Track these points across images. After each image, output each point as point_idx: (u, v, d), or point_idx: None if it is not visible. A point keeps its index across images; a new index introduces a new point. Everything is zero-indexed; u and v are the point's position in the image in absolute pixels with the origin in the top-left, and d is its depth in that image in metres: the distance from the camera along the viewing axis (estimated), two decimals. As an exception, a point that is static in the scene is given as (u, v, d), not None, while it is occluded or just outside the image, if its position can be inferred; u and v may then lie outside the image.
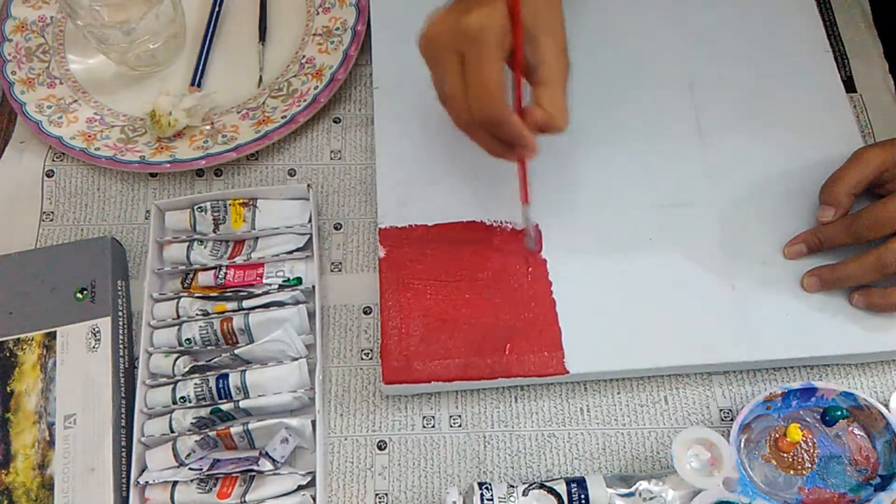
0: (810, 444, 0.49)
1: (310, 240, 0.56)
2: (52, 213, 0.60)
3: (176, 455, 0.49)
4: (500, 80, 0.45)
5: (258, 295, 0.53)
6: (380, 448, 0.52)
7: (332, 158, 0.61)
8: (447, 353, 0.51)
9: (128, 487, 0.49)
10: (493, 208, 0.56)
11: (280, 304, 0.53)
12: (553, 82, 0.47)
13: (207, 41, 0.65)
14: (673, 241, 0.54)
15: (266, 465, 0.48)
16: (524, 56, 0.46)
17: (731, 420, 0.51)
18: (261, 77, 0.64)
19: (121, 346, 0.53)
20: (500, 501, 0.45)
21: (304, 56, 0.64)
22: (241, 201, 0.56)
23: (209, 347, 0.53)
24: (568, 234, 0.55)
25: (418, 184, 0.57)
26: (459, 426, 0.52)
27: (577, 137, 0.58)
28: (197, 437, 0.49)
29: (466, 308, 0.52)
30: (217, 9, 0.66)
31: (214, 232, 0.55)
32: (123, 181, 0.61)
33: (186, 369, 0.51)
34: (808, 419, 0.50)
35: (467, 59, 0.45)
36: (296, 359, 0.51)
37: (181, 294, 0.54)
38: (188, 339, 0.52)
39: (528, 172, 0.51)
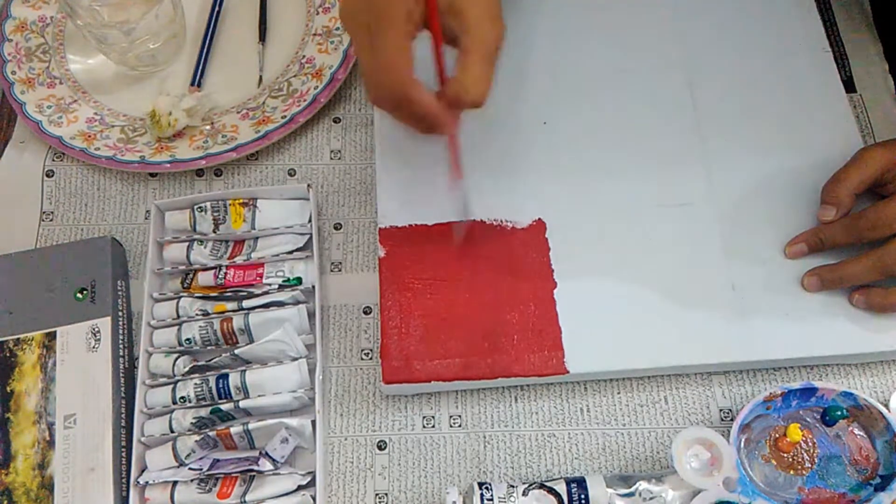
0: (810, 444, 0.49)
1: (310, 240, 0.56)
2: (52, 213, 0.60)
3: (176, 455, 0.49)
4: (403, 55, 0.43)
5: (258, 295, 0.53)
6: (380, 448, 0.52)
7: (332, 158, 0.61)
8: (447, 352, 0.51)
9: (128, 487, 0.49)
10: (493, 208, 0.56)
11: (280, 304, 0.53)
12: (470, 52, 0.44)
13: (207, 41, 0.65)
14: (673, 241, 0.54)
15: (266, 465, 0.48)
16: (448, 25, 0.44)
17: (731, 420, 0.51)
18: (261, 77, 0.64)
19: (121, 346, 0.53)
20: (500, 501, 0.45)
21: (304, 56, 0.64)
22: (241, 201, 0.56)
23: (209, 347, 0.53)
24: (568, 233, 0.55)
25: (418, 184, 0.57)
26: (459, 426, 0.52)
27: (578, 137, 0.58)
28: (197, 437, 0.49)
29: (466, 308, 0.52)
30: (217, 9, 0.66)
31: (214, 232, 0.55)
32: (123, 181, 0.61)
33: (186, 369, 0.51)
34: (808, 419, 0.50)
35: (372, 33, 0.43)
36: (296, 359, 0.51)
37: (181, 294, 0.54)
38: (188, 339, 0.52)
39: (459, 150, 0.49)
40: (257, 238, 0.56)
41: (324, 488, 0.50)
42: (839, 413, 0.49)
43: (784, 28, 0.62)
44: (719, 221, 0.55)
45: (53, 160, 0.61)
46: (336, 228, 0.59)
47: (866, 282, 0.51)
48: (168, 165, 0.59)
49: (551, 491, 0.46)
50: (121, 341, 0.53)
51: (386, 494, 0.50)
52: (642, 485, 0.46)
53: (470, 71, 0.44)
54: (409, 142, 0.58)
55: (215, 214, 0.55)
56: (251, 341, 0.52)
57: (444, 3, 0.44)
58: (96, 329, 0.53)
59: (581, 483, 0.46)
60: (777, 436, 0.49)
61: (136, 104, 0.62)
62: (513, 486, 0.46)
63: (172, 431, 0.50)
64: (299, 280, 0.54)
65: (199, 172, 0.61)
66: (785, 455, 0.49)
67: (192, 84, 0.63)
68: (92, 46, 0.63)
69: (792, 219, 0.55)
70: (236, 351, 0.51)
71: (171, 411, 0.50)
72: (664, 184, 0.56)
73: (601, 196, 0.56)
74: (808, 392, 0.49)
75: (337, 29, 0.64)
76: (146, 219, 0.59)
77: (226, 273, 0.54)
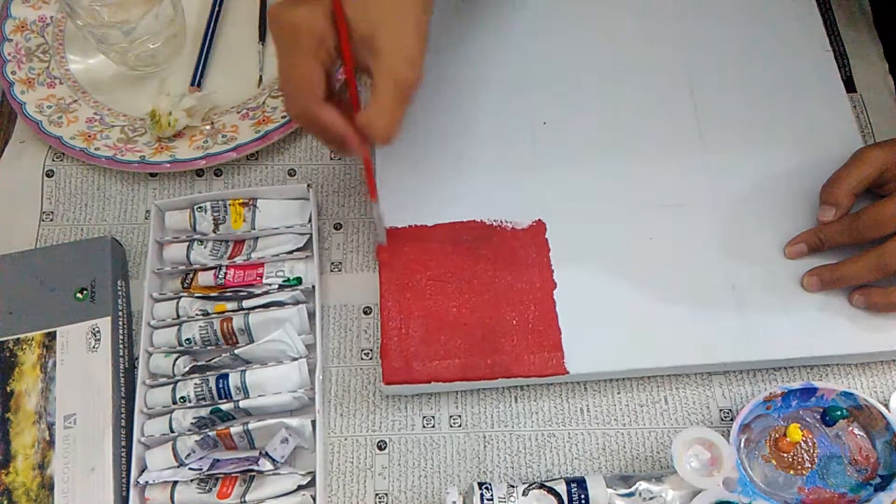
0: (810, 444, 0.49)
1: (310, 240, 0.56)
2: (52, 213, 0.60)
3: (176, 455, 0.49)
4: (311, 82, 0.45)
5: (258, 295, 0.53)
6: (380, 448, 0.52)
7: (332, 158, 0.61)
8: (447, 353, 0.51)
9: (128, 487, 0.49)
10: (493, 208, 0.56)
11: (280, 304, 0.53)
12: (381, 89, 0.45)
13: (207, 41, 0.65)
14: (673, 241, 0.54)
15: (266, 465, 0.48)
16: (362, 58, 0.46)
17: (731, 420, 0.51)
18: (261, 77, 0.64)
19: (121, 346, 0.53)
20: (500, 501, 0.45)
21: (304, 56, 0.64)
22: (241, 201, 0.56)
23: (209, 347, 0.53)
24: (568, 233, 0.55)
25: (418, 184, 0.57)
26: (459, 426, 0.52)
27: (578, 137, 0.58)
28: (197, 437, 0.49)
29: (466, 308, 0.52)
30: (217, 9, 0.66)
31: (214, 232, 0.55)
32: (123, 181, 0.61)
33: (186, 369, 0.51)
34: (808, 419, 0.50)
35: (284, 57, 0.45)
36: (296, 359, 0.51)
37: (181, 294, 0.54)
38: (188, 339, 0.52)
39: (373, 174, 0.51)
40: (257, 238, 0.56)
41: (324, 488, 0.50)
42: (839, 413, 0.49)
43: (784, 28, 0.62)
44: (719, 221, 0.55)
45: (53, 160, 0.61)
46: (336, 228, 0.59)
47: (866, 281, 0.51)
48: (168, 165, 0.59)
49: (551, 491, 0.46)
50: (121, 341, 0.53)
51: (386, 494, 0.50)
52: (642, 485, 0.46)
53: (378, 109, 0.45)
54: (410, 142, 0.58)
55: (215, 214, 0.55)
56: (251, 341, 0.52)
57: (360, 35, 0.45)
58: (96, 329, 0.53)
59: (581, 483, 0.46)
60: (777, 436, 0.49)
61: (136, 104, 0.62)
62: (513, 486, 0.46)
63: (172, 431, 0.50)
64: (299, 280, 0.54)
65: (199, 172, 0.61)
66: (785, 455, 0.49)
67: (192, 84, 0.63)
68: (92, 46, 0.63)
69: (792, 219, 0.55)
70: (236, 351, 0.51)
71: (171, 411, 0.50)
72: (664, 184, 0.56)
73: (601, 196, 0.56)
74: (808, 392, 0.49)
75: (337, 29, 0.64)
76: (146, 219, 0.59)
77: (226, 273, 0.54)
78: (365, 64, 0.46)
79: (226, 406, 0.50)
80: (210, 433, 0.49)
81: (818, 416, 0.50)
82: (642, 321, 0.52)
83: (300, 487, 0.49)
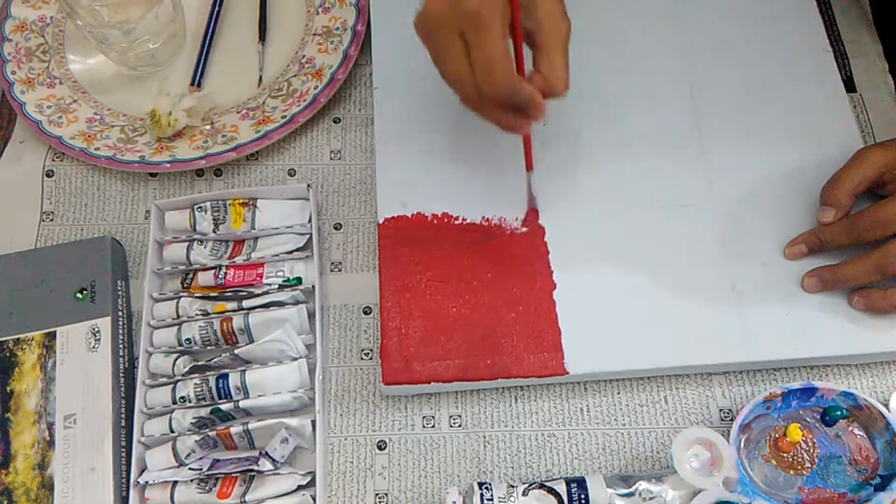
0: (810, 444, 0.49)
1: (310, 240, 0.56)
2: (52, 213, 0.60)
3: (176, 455, 0.49)
4: (506, 55, 0.45)
5: (258, 295, 0.53)
6: (380, 448, 0.52)
7: (332, 158, 0.61)
8: (447, 353, 0.51)
9: (128, 487, 0.49)
10: (493, 208, 0.56)
11: (280, 304, 0.53)
12: (550, 47, 0.47)
13: (207, 41, 0.65)
14: (673, 242, 0.54)
15: (266, 465, 0.48)
16: (523, 22, 0.47)
17: (731, 420, 0.51)
18: (261, 77, 0.64)
19: (121, 346, 0.53)
20: (500, 501, 0.45)
21: (304, 56, 0.64)
22: (241, 201, 0.56)
23: (209, 347, 0.53)
24: (568, 234, 0.55)
25: (418, 184, 0.57)
26: (459, 426, 0.52)
27: (579, 139, 0.58)
28: (197, 437, 0.49)
29: (466, 308, 0.52)
30: (217, 9, 0.66)
31: (214, 232, 0.55)
32: (123, 181, 0.61)
33: (186, 369, 0.51)
34: (808, 419, 0.50)
35: (469, 37, 0.45)
36: (296, 359, 0.51)
37: (181, 294, 0.54)
38: (188, 339, 0.52)
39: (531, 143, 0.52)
40: (257, 238, 0.56)
41: (324, 488, 0.50)
42: (839, 413, 0.49)
43: (784, 28, 0.62)
44: (719, 221, 0.55)
45: (53, 160, 0.61)
46: (336, 228, 0.59)
47: (866, 282, 0.51)
48: (168, 165, 0.59)
49: (551, 491, 0.46)
50: (121, 341, 0.53)
51: (386, 494, 0.50)
52: (642, 485, 0.46)
53: (553, 65, 0.47)
54: (409, 142, 0.58)
55: (215, 214, 0.55)
56: (251, 341, 0.52)
57: (522, 2, 0.47)
58: (96, 329, 0.53)
59: (581, 483, 0.46)
60: (777, 436, 0.49)
61: (136, 104, 0.62)
62: (513, 486, 0.46)
63: (172, 431, 0.50)
64: (299, 280, 0.54)
65: (199, 172, 0.61)
66: (785, 455, 0.49)
67: (192, 84, 0.63)
68: (92, 46, 0.63)
69: (792, 219, 0.55)
70: (236, 351, 0.51)
71: (171, 411, 0.50)
72: (664, 184, 0.56)
73: (601, 196, 0.56)
74: (808, 392, 0.49)
75: (337, 29, 0.64)
76: (146, 219, 0.59)
77: (226, 273, 0.54)
78: (527, 29, 0.48)
79: (226, 406, 0.50)
80: (210, 433, 0.49)
81: (818, 416, 0.50)
82: (642, 321, 0.52)
83: (300, 487, 0.49)
